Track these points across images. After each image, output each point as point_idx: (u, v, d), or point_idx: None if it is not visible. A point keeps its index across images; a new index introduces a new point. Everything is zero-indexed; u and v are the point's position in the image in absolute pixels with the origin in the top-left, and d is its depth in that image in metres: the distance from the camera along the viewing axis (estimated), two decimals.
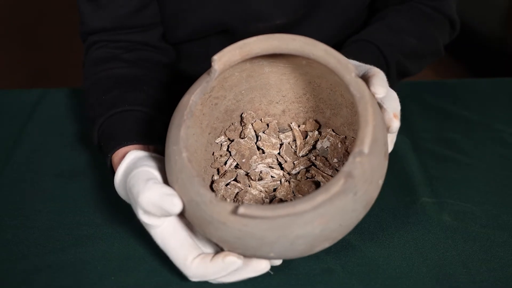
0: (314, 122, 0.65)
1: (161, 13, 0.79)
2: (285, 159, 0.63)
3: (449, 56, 2.04)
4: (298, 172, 0.62)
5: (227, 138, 0.65)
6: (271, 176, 0.63)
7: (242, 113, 0.66)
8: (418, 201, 0.68)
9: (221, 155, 0.64)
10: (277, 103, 0.65)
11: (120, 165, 0.59)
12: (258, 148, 0.64)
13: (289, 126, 0.66)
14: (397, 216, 0.66)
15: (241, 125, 0.66)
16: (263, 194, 0.61)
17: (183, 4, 0.77)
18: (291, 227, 0.47)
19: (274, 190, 0.62)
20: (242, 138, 0.64)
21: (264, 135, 0.65)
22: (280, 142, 0.65)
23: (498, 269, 0.60)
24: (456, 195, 0.69)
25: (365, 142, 0.48)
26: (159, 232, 0.54)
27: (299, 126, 0.65)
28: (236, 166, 0.64)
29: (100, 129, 0.68)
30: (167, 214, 0.52)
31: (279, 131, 0.65)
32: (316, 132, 0.64)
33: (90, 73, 0.75)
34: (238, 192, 0.61)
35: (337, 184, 0.47)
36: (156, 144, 0.64)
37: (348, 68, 0.51)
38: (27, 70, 2.11)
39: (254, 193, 0.61)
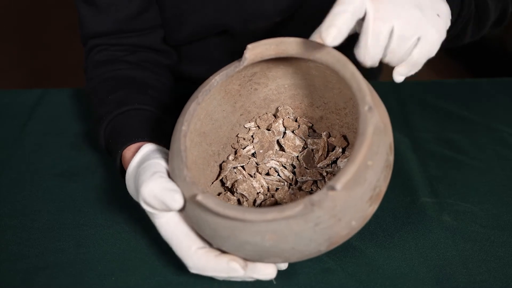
0: (342, 138, 0.63)
1: (161, 15, 0.79)
2: (301, 164, 0.63)
3: (449, 56, 2.04)
4: (305, 182, 0.61)
5: (257, 125, 0.65)
6: (278, 176, 0.63)
7: (279, 106, 0.65)
8: (418, 201, 0.68)
9: (244, 139, 0.65)
10: (317, 107, 0.65)
11: (135, 156, 0.59)
12: (280, 145, 0.64)
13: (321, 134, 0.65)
14: (397, 216, 0.66)
15: (275, 117, 0.66)
16: (261, 190, 0.61)
17: (183, 5, 0.77)
18: (241, 230, 0.49)
19: (277, 190, 0.62)
20: (268, 130, 0.65)
21: (291, 134, 0.64)
22: (304, 146, 0.64)
23: (498, 269, 0.60)
24: (456, 195, 0.69)
25: (341, 179, 0.46)
26: (163, 222, 0.54)
27: (329, 137, 0.64)
28: (253, 154, 0.64)
29: (109, 125, 0.68)
30: (167, 209, 0.52)
31: (308, 136, 0.65)
32: (340, 150, 0.62)
33: (94, 74, 0.75)
34: (238, 179, 0.62)
35: (293, 209, 0.47)
36: (165, 143, 0.64)
37: (364, 99, 0.50)
38: (27, 70, 2.11)
39: (254, 185, 0.61)
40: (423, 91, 0.87)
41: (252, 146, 0.64)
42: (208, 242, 0.54)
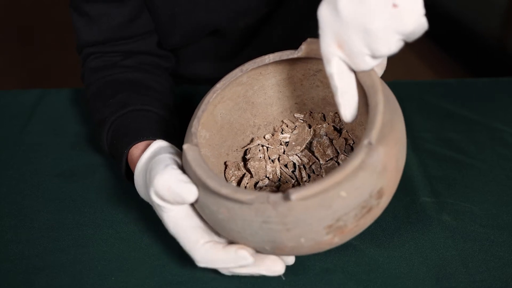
0: None
1: (154, 21, 0.79)
2: (321, 172, 0.62)
3: (449, 56, 2.04)
4: None
5: (305, 119, 0.66)
6: (292, 172, 0.63)
7: (332, 111, 0.65)
8: (418, 201, 0.68)
9: (287, 126, 0.66)
10: (365, 128, 0.63)
11: (145, 152, 0.58)
12: (311, 147, 0.64)
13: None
14: (397, 216, 0.66)
15: (323, 119, 0.66)
16: (270, 176, 0.62)
17: (175, 8, 0.77)
18: (202, 193, 0.51)
19: (286, 183, 0.62)
20: (310, 128, 0.65)
21: (328, 142, 0.64)
22: (334, 159, 0.63)
23: (497, 269, 0.60)
24: (456, 195, 0.69)
25: (300, 192, 0.45)
26: (171, 216, 0.54)
27: None
28: (286, 143, 0.65)
29: (112, 126, 0.67)
30: (181, 201, 0.52)
31: (344, 151, 0.63)
32: None
33: (92, 80, 0.75)
34: (255, 157, 0.63)
35: (245, 195, 0.46)
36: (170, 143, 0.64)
37: (370, 133, 0.47)
38: (27, 70, 2.11)
39: (267, 169, 0.62)
40: (423, 91, 0.87)
41: (289, 135, 0.65)
42: (216, 233, 0.54)
